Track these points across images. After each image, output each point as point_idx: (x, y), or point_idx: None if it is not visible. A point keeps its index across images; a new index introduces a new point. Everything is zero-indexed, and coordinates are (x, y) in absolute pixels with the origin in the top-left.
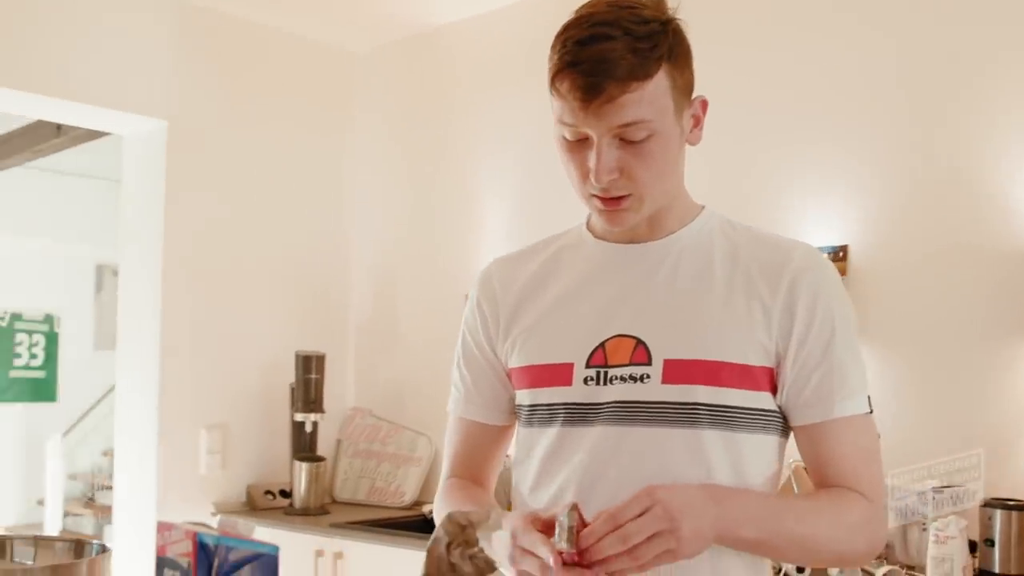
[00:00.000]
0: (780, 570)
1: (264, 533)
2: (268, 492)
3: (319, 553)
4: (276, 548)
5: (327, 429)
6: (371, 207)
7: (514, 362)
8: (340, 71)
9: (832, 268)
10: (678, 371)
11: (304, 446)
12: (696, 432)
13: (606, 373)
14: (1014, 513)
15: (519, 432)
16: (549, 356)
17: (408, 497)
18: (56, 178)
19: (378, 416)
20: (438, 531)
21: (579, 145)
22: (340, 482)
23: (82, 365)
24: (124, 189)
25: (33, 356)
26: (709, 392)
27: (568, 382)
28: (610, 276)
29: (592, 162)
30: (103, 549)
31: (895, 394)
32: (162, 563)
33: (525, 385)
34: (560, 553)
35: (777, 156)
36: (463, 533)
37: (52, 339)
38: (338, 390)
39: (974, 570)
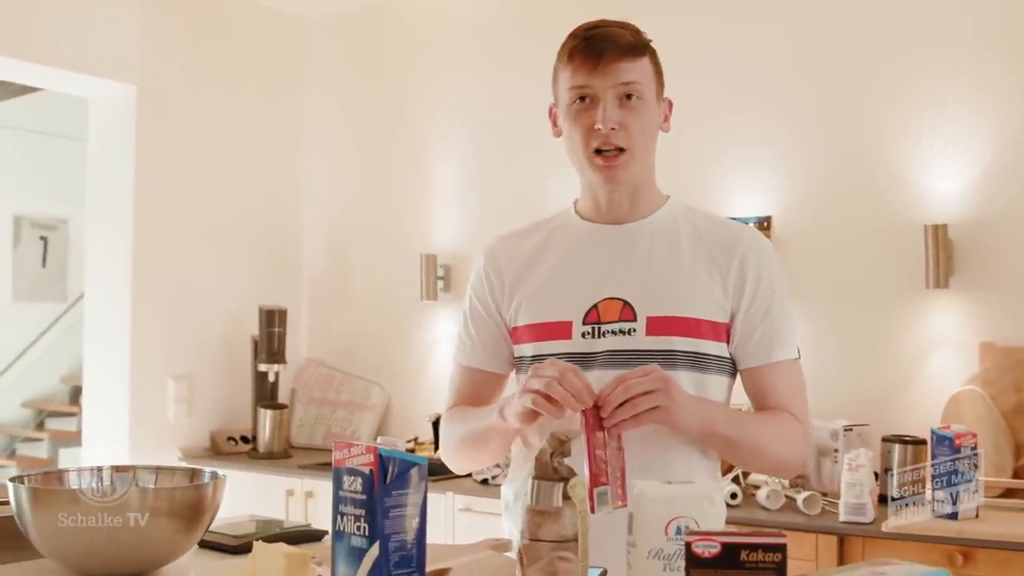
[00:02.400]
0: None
1: (236, 475)
2: (231, 438)
3: (290, 492)
4: (425, 459)
5: (282, 379)
6: (325, 168)
7: (521, 321)
8: (293, 37)
9: (771, 246)
10: (659, 325)
11: (266, 395)
12: (675, 374)
13: (599, 328)
14: (909, 447)
15: (517, 380)
16: (551, 315)
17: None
18: None
19: (331, 366)
20: (543, 444)
21: (585, 107)
22: (296, 428)
23: (0, 317)
24: (91, 149)
25: None
26: (683, 342)
27: (568, 336)
28: (597, 250)
29: (599, 116)
30: (215, 476)
31: (810, 346)
32: (340, 473)
33: (531, 339)
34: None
35: (706, 131)
36: (561, 446)
37: None
38: (293, 341)
39: (878, 494)
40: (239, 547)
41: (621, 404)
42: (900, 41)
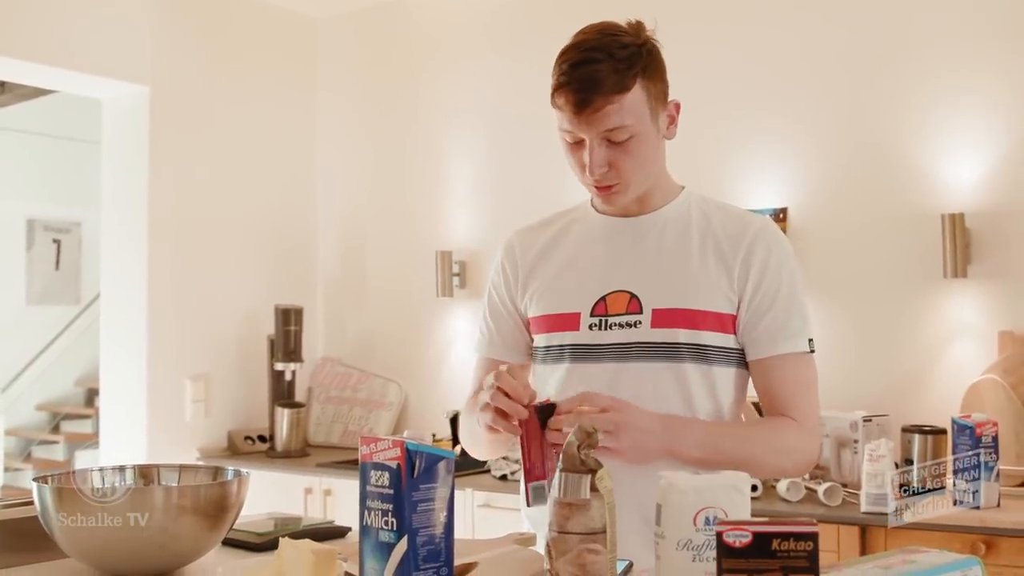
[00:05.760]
0: None
1: (254, 474)
2: (248, 437)
3: (308, 491)
4: (453, 453)
5: (298, 378)
6: (339, 166)
7: (533, 312)
8: (305, 35)
9: (783, 237)
10: (664, 318)
11: (283, 393)
12: (679, 366)
13: (607, 320)
14: (929, 437)
15: (535, 369)
16: (561, 307)
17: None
18: None
19: (347, 364)
20: (571, 436)
21: (577, 146)
22: (313, 427)
23: (14, 321)
24: (105, 150)
25: None
26: (688, 334)
27: (576, 327)
28: (608, 243)
29: (586, 159)
30: (238, 473)
31: (829, 337)
32: (366, 467)
33: (542, 330)
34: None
35: (723, 126)
36: (589, 438)
37: None
38: (309, 340)
39: (899, 484)
40: (263, 545)
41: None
42: (917, 30)
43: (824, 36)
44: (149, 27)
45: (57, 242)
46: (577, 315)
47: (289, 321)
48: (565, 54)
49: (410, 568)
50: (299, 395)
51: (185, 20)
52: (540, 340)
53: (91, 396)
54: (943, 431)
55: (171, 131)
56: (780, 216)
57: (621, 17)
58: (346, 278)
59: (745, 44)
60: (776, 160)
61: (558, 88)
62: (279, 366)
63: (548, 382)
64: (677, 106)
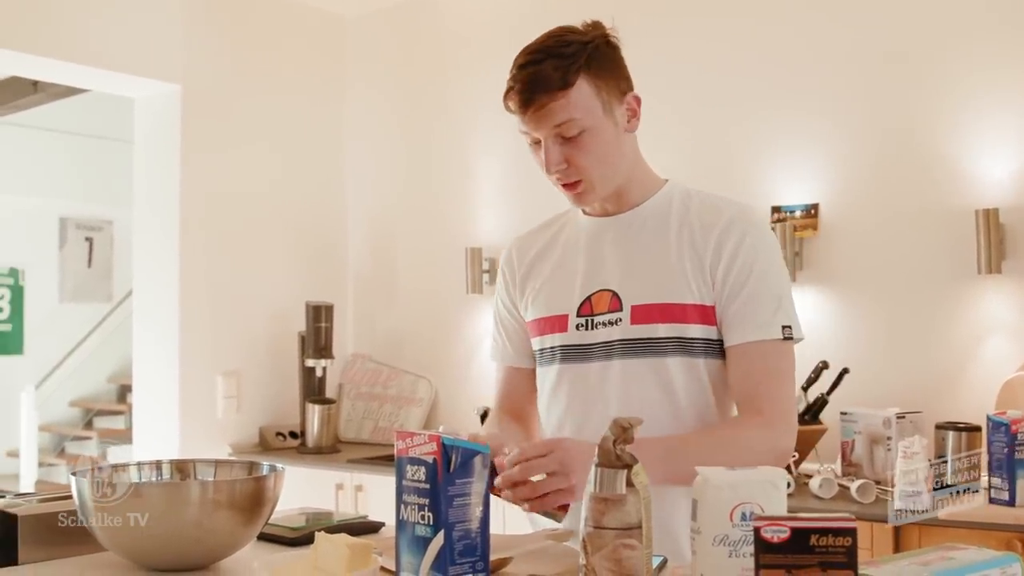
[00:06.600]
0: None
1: (286, 471)
2: (279, 433)
3: (339, 487)
4: (487, 447)
5: (329, 374)
6: (369, 164)
7: (529, 316)
8: (334, 34)
9: (759, 223)
10: (642, 313)
11: (314, 390)
12: (661, 360)
13: (592, 320)
14: (963, 434)
15: (536, 371)
16: (551, 309)
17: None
18: (18, 132)
19: (378, 361)
20: (606, 432)
21: (537, 146)
22: (344, 423)
23: (48, 318)
24: (137, 148)
25: None
26: (667, 328)
27: (565, 329)
28: (593, 243)
29: (543, 160)
30: (273, 469)
31: (861, 334)
32: (403, 462)
33: (536, 333)
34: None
35: (754, 123)
36: (624, 433)
37: (18, 292)
38: (339, 337)
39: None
40: (297, 539)
41: (521, 483)
42: (951, 24)
43: (857, 30)
44: (181, 26)
45: (89, 240)
46: (565, 316)
47: (320, 318)
48: (516, 59)
49: (446, 562)
50: (330, 391)
51: (216, 19)
52: (535, 343)
53: (123, 392)
54: (977, 428)
55: (203, 129)
56: (812, 212)
57: (646, 15)
58: (376, 275)
59: (776, 40)
60: (807, 156)
61: (507, 92)
62: (310, 362)
63: (544, 384)
64: (637, 99)
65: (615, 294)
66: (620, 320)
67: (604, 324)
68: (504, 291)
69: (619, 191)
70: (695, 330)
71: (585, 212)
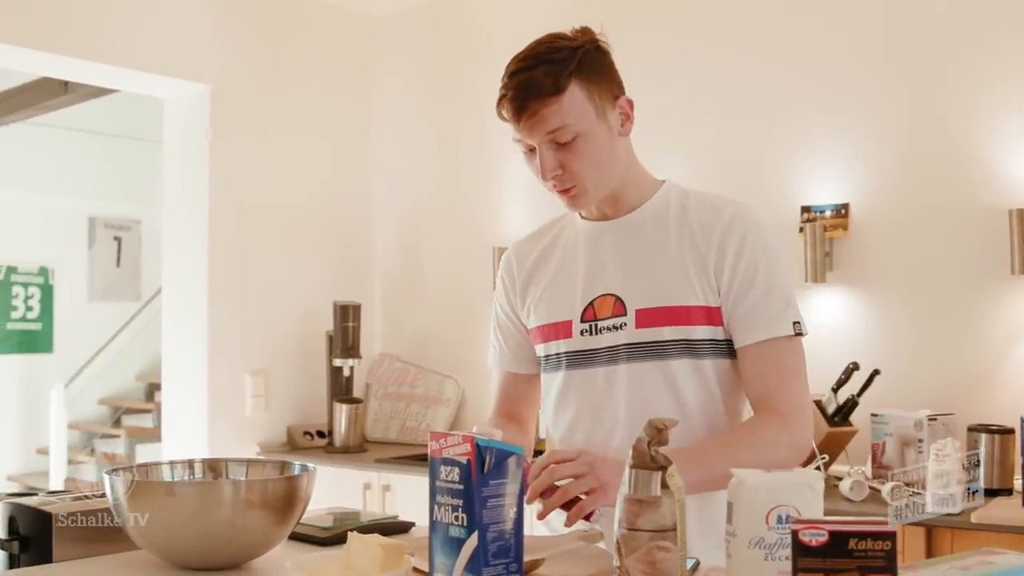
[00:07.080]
0: None
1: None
2: (307, 432)
3: (367, 486)
4: (521, 448)
5: (356, 373)
6: (396, 164)
7: (531, 323)
8: (362, 34)
9: (759, 221)
10: (646, 317)
11: (341, 389)
12: (666, 363)
13: (596, 325)
14: (996, 436)
15: (541, 378)
16: (554, 316)
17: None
18: (47, 132)
19: (405, 360)
20: (641, 433)
21: (532, 154)
22: (371, 422)
23: (76, 317)
24: (166, 148)
25: (29, 308)
26: (673, 331)
27: (569, 335)
28: (593, 248)
29: (537, 167)
30: (305, 468)
31: (892, 334)
32: (436, 463)
33: (540, 340)
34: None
35: (784, 123)
36: (659, 434)
37: (47, 291)
38: (367, 336)
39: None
40: (328, 539)
41: (551, 489)
42: (983, 20)
43: (886, 28)
44: (210, 27)
45: (118, 239)
46: (569, 323)
47: (347, 317)
48: (506, 68)
49: (480, 564)
50: (357, 391)
51: (245, 20)
52: (539, 350)
53: (151, 391)
54: (1011, 430)
55: (232, 129)
56: (842, 212)
57: (674, 17)
58: (404, 274)
59: (806, 39)
60: (837, 156)
61: (499, 100)
62: (337, 362)
63: (550, 390)
64: (630, 103)
65: (618, 298)
66: (625, 324)
67: (609, 329)
68: (504, 297)
69: (615, 195)
70: (700, 331)
71: (582, 216)
